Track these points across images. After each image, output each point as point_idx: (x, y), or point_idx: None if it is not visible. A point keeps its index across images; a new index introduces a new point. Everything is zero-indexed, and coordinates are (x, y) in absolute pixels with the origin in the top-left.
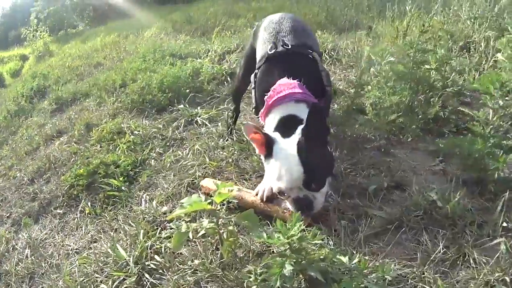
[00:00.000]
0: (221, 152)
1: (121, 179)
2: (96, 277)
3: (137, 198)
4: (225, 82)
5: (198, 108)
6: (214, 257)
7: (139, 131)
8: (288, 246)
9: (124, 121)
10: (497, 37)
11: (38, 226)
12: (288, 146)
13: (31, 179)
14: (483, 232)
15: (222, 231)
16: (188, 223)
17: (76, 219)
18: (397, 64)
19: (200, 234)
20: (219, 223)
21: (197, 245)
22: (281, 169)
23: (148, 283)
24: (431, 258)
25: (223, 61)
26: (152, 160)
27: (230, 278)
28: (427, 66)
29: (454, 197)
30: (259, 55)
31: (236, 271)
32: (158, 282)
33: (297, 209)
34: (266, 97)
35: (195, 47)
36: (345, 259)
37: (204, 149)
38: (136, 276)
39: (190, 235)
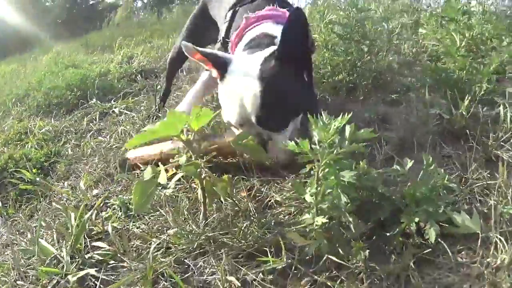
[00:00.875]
0: None
1: (34, 171)
2: (21, 286)
3: (57, 191)
4: (136, 79)
5: (112, 101)
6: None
7: (48, 128)
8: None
9: (31, 123)
10: None
11: None
12: (248, 65)
13: None
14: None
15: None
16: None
17: None
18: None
19: (171, 183)
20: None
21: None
22: (232, 94)
23: (97, 282)
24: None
25: (131, 60)
26: (69, 150)
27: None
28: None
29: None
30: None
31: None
32: (112, 274)
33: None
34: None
35: (97, 58)
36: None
37: (129, 131)
38: (76, 275)
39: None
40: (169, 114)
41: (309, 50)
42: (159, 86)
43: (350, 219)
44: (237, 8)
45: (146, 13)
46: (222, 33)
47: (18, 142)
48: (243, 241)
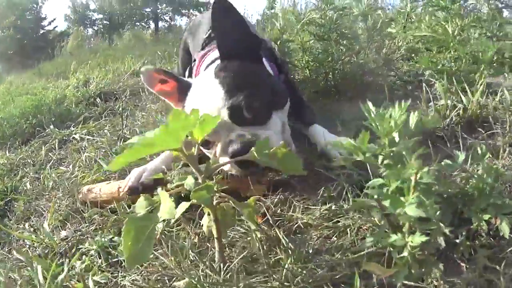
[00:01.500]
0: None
1: None
2: None
3: (15, 234)
4: (95, 102)
5: (72, 127)
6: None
7: (3, 162)
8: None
9: None
10: None
11: None
12: (203, 78)
13: None
14: None
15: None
16: None
17: None
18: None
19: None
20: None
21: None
22: (198, 107)
23: None
24: None
25: (88, 84)
26: (27, 184)
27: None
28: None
29: None
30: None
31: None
32: None
33: (239, 166)
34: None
35: (52, 84)
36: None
37: (95, 157)
38: None
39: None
40: (173, 117)
41: (258, 41)
42: (121, 108)
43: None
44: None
45: (97, 40)
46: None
47: None
48: (286, 283)
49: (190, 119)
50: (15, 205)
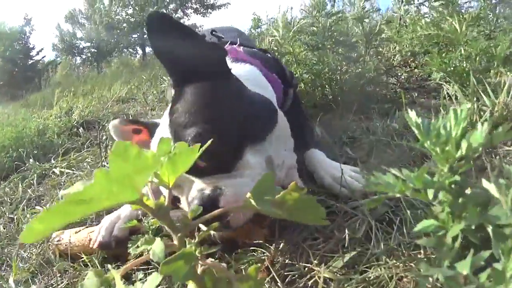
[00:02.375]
0: None
1: None
2: None
3: None
4: (78, 132)
5: (52, 160)
6: None
7: None
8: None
9: None
10: None
11: None
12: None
13: None
14: None
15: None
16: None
17: None
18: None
19: None
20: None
21: None
22: None
23: None
24: None
25: (70, 112)
26: (1, 227)
27: None
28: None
29: None
30: None
31: None
32: None
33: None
34: None
35: (36, 115)
36: None
37: None
38: None
39: None
40: (116, 156)
41: (207, 44)
42: (104, 137)
43: None
44: None
45: (86, 68)
46: None
47: None
48: None
49: (147, 158)
50: None
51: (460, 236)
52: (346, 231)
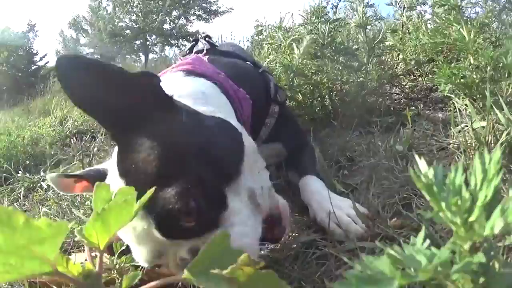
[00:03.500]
0: (80, 210)
1: None
2: None
3: None
4: (70, 143)
5: (41, 172)
6: None
7: None
8: None
9: None
10: None
11: None
12: (111, 170)
13: None
14: None
15: None
16: None
17: None
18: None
19: None
20: None
21: None
22: None
23: None
24: None
25: (64, 122)
26: None
27: None
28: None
29: None
30: None
31: None
32: None
33: None
34: None
35: (33, 123)
36: None
37: (55, 213)
38: None
39: None
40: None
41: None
42: (95, 149)
43: None
44: None
45: None
46: None
47: None
48: None
49: (38, 227)
50: None
51: None
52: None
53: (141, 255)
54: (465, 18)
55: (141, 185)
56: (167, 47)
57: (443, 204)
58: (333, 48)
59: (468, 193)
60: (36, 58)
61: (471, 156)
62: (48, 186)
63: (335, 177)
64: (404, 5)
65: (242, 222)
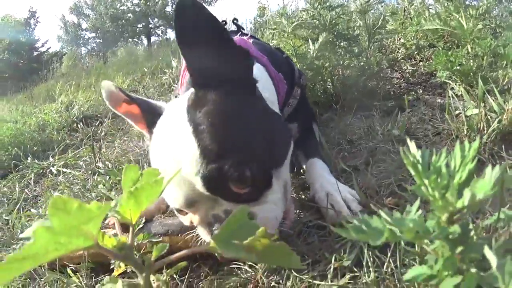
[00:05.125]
0: (92, 194)
1: None
2: None
3: None
4: (77, 128)
5: (50, 158)
6: None
7: None
8: None
9: None
10: None
11: None
12: (175, 109)
13: None
14: None
15: None
16: None
17: None
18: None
19: None
20: None
21: None
22: (163, 158)
23: None
24: None
25: (70, 107)
26: None
27: None
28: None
29: None
30: None
31: None
32: None
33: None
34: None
35: (38, 109)
36: None
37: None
38: None
39: None
40: (55, 210)
41: (239, 49)
42: (103, 133)
43: None
44: None
45: (91, 59)
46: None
47: None
48: None
49: (89, 210)
50: None
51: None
52: (334, 256)
53: (175, 197)
54: (465, 5)
55: (208, 140)
56: (169, 30)
57: (426, 181)
58: (335, 33)
59: (446, 173)
60: (38, 44)
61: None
62: (58, 171)
63: (336, 159)
64: None
65: (274, 202)
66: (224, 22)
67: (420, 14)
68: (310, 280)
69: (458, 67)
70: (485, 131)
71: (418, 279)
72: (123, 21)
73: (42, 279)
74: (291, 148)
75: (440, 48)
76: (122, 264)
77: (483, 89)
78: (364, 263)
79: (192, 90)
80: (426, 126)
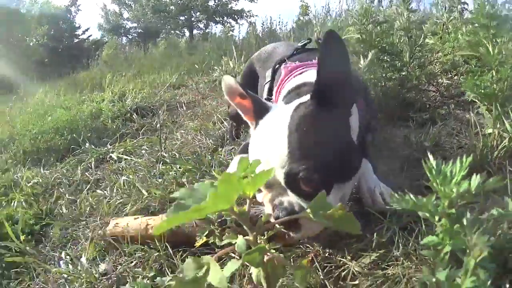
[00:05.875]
0: (159, 180)
1: (23, 238)
2: None
3: (53, 261)
4: (132, 118)
5: (108, 145)
6: None
7: (38, 180)
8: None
9: (17, 174)
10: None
11: None
12: (280, 112)
13: None
14: None
15: None
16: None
17: None
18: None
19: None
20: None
21: None
22: (259, 146)
23: None
24: None
25: (124, 98)
26: (63, 208)
27: None
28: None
29: None
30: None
31: None
32: None
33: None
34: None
35: (87, 97)
36: None
37: (133, 181)
38: None
39: None
40: (222, 181)
41: (350, 78)
42: (158, 124)
43: None
44: (276, 66)
45: (132, 49)
46: (264, 93)
47: (3, 198)
48: None
49: (242, 182)
50: (51, 231)
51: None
52: (375, 235)
53: None
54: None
55: (296, 145)
56: (212, 24)
57: (437, 180)
58: (379, 48)
59: (449, 176)
60: (79, 32)
61: (478, 156)
62: (118, 157)
63: (377, 161)
64: (445, 6)
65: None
66: (309, 40)
67: (458, 30)
68: (355, 251)
69: (483, 90)
70: (496, 148)
71: (429, 244)
72: (165, 12)
73: (125, 247)
74: (358, 172)
75: (473, 66)
76: (204, 238)
77: (499, 111)
78: (395, 241)
79: (297, 101)
80: (453, 140)
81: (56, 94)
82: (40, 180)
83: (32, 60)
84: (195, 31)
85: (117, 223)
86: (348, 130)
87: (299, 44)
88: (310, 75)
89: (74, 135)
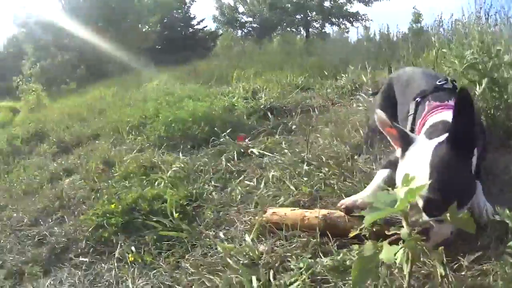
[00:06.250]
0: (304, 178)
1: (176, 215)
2: None
3: (207, 239)
4: (266, 117)
5: (247, 140)
6: None
7: (179, 165)
8: None
9: (155, 156)
10: None
11: (50, 279)
12: (423, 149)
13: (35, 219)
14: None
15: None
16: None
17: (114, 270)
18: None
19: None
20: None
21: None
22: (406, 173)
23: None
24: None
25: (257, 96)
26: (213, 193)
27: None
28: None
29: None
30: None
31: None
32: None
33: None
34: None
35: (213, 90)
36: None
37: (281, 178)
38: None
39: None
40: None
41: (475, 128)
42: (294, 126)
43: None
44: (418, 99)
45: (247, 43)
46: (408, 123)
47: (144, 178)
48: None
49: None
50: (203, 213)
51: None
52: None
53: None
54: None
55: (434, 178)
56: (327, 25)
57: None
58: (491, 78)
59: None
60: (194, 22)
61: None
62: (260, 152)
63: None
64: None
65: (447, 226)
66: (445, 81)
67: None
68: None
69: None
70: None
71: None
72: (282, 10)
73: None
74: (472, 199)
75: None
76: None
77: None
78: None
79: (436, 140)
80: None
81: (180, 83)
82: (182, 165)
83: (145, 46)
84: (310, 30)
85: (274, 212)
86: (471, 167)
87: (437, 82)
88: (447, 115)
89: (211, 126)
